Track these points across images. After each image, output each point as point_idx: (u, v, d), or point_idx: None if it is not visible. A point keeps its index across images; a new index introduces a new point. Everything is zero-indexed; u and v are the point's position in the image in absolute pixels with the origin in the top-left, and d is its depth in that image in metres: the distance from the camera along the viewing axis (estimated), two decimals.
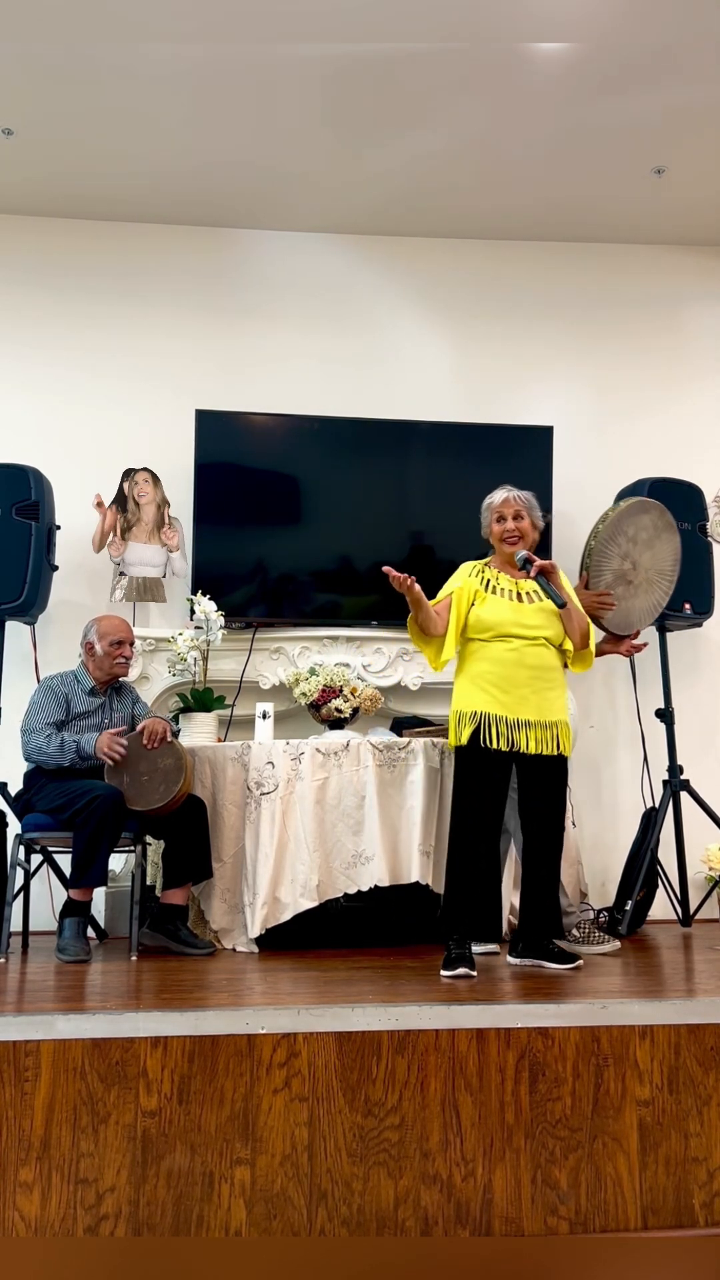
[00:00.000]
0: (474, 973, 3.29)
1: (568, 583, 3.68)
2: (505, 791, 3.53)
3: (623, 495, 4.97)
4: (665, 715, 4.70)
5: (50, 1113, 2.56)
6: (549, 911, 3.54)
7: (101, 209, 5.20)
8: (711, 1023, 2.76)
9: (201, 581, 4.76)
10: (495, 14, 4.00)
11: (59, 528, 4.68)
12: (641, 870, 4.34)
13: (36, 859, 4.04)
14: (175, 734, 3.96)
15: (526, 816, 3.54)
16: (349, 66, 4.27)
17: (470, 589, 3.62)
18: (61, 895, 3.90)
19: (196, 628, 4.52)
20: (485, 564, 3.70)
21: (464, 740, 3.50)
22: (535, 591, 3.58)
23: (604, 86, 4.39)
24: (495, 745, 3.46)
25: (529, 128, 4.65)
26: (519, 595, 3.59)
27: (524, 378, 5.41)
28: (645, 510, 4.10)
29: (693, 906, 4.69)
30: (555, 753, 3.51)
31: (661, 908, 4.64)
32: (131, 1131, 2.57)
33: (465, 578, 3.65)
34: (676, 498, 4.77)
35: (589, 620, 3.66)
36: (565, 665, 3.66)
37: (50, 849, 3.99)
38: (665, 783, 4.62)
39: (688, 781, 4.60)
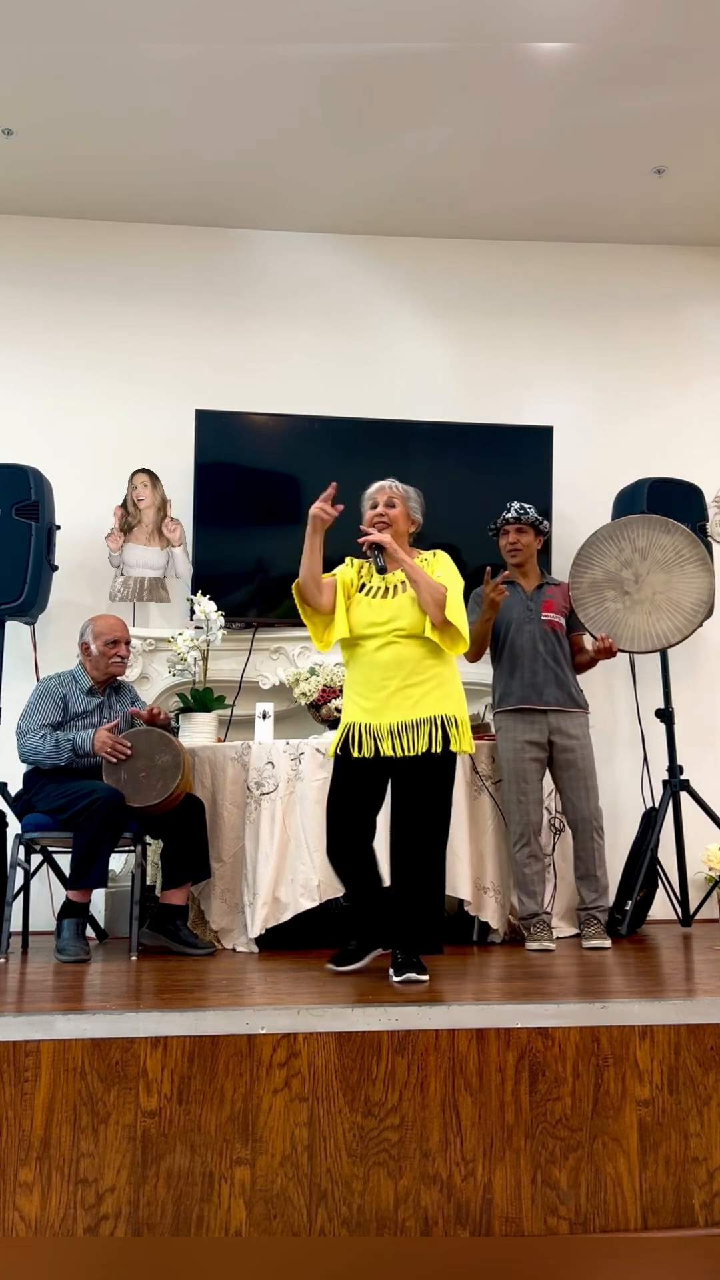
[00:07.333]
0: (344, 969, 3.29)
1: (446, 569, 3.40)
2: (378, 798, 3.35)
3: (623, 496, 4.98)
4: (665, 715, 4.70)
5: (50, 1113, 2.56)
6: (409, 922, 3.27)
7: (101, 209, 5.20)
8: (711, 1023, 2.76)
9: (201, 581, 4.76)
10: (495, 14, 4.00)
11: (59, 528, 4.68)
12: (641, 870, 4.34)
13: (36, 859, 4.05)
14: (175, 731, 3.97)
15: (394, 820, 3.30)
16: (348, 66, 4.27)
17: (348, 579, 3.47)
18: (61, 895, 3.90)
19: (196, 628, 4.52)
20: (366, 561, 3.54)
21: (330, 753, 3.43)
22: (401, 583, 3.39)
23: (604, 86, 4.40)
24: (360, 753, 3.29)
25: (529, 127, 4.65)
26: (386, 591, 3.42)
27: (524, 378, 5.41)
28: (669, 531, 4.02)
29: (693, 906, 4.69)
30: (428, 751, 3.23)
31: (661, 908, 4.64)
32: (131, 1131, 2.57)
33: (346, 567, 3.52)
34: (676, 498, 4.77)
35: (444, 590, 3.28)
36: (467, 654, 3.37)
37: (50, 849, 3.99)
38: (665, 783, 4.62)
39: (688, 781, 4.60)
